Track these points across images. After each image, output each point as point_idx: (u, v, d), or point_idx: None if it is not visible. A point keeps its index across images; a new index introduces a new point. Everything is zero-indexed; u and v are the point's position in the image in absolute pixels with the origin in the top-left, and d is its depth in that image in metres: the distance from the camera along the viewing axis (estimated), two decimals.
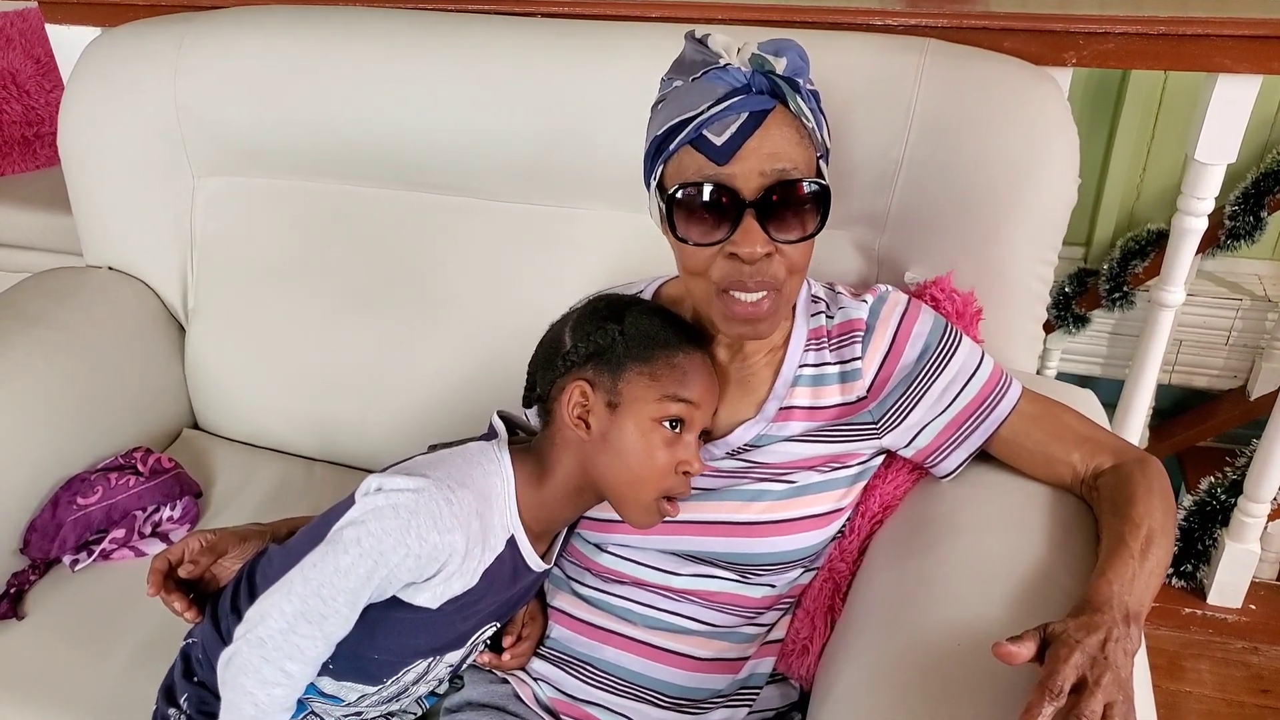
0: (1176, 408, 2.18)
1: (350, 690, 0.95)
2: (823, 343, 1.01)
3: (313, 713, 0.99)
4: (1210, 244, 1.85)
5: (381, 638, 0.90)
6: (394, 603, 0.89)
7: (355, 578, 0.83)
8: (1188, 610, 1.83)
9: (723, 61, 0.88)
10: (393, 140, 1.34)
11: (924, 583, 0.91)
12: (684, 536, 1.00)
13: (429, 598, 0.88)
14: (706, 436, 0.99)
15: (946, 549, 0.94)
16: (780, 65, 0.87)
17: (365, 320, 1.40)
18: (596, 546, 1.05)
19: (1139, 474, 0.91)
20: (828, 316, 1.02)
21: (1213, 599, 1.82)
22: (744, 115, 0.86)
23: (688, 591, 1.02)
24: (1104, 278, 1.98)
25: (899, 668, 0.83)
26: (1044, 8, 1.26)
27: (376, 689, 0.95)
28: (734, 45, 0.90)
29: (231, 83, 1.37)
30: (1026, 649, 0.72)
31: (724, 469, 1.01)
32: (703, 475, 1.00)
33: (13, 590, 1.23)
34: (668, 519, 0.95)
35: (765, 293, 0.89)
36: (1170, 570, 1.83)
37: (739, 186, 0.86)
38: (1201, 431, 2.03)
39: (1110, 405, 1.39)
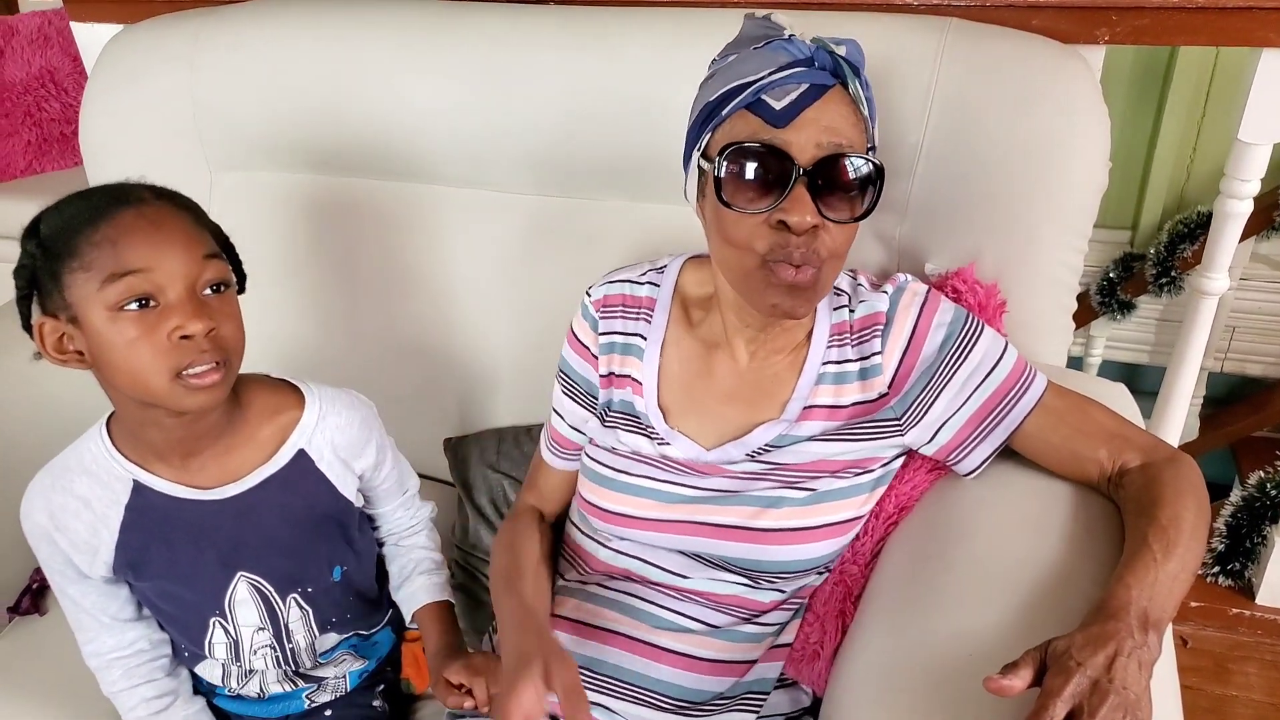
0: (1230, 396, 2.11)
1: (208, 668, 1.05)
2: (845, 338, 0.98)
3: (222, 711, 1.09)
4: (1265, 226, 1.77)
5: (153, 611, 1.02)
6: (121, 584, 1.00)
7: (56, 587, 1.00)
8: (1235, 610, 1.77)
9: (787, 34, 0.87)
10: (406, 133, 1.32)
11: (938, 589, 0.88)
12: (697, 538, 0.99)
13: (90, 565, 0.96)
14: (222, 288, 0.88)
15: (963, 553, 0.91)
16: (841, 51, 0.87)
17: (379, 314, 1.39)
18: (599, 543, 1.04)
19: (1169, 473, 0.87)
20: (850, 310, 0.99)
21: (1261, 598, 1.76)
22: (805, 85, 0.84)
23: (694, 592, 1.00)
24: (1151, 262, 1.91)
25: (911, 678, 0.80)
26: None
27: (219, 662, 1.03)
28: (797, 26, 0.88)
29: (246, 77, 1.36)
30: (1021, 679, 0.69)
31: (743, 472, 0.98)
32: (719, 478, 0.99)
33: (35, 586, 1.26)
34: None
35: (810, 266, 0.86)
36: (1217, 569, 1.77)
37: (794, 154, 0.84)
38: (1256, 421, 1.96)
39: (1157, 394, 1.34)
